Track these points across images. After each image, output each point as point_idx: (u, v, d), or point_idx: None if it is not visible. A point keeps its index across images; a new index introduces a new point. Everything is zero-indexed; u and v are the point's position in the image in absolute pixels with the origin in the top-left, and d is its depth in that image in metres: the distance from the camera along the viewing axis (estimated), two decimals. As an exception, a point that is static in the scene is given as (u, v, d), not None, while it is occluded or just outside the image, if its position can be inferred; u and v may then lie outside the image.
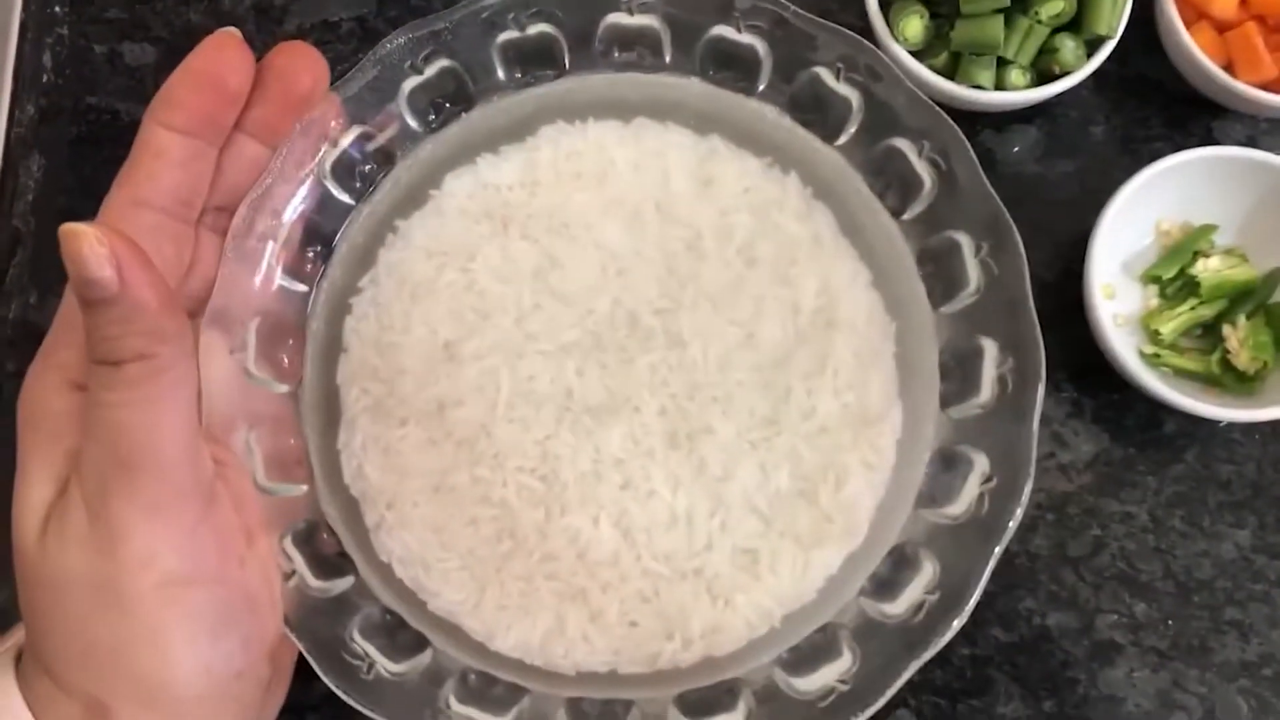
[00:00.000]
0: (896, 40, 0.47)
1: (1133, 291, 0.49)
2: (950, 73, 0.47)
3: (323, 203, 0.42)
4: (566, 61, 0.43)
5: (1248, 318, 0.47)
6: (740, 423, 0.40)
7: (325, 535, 0.40)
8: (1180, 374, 0.47)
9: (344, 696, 0.37)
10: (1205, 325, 0.48)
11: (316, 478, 0.41)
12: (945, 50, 0.47)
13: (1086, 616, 0.46)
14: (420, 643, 0.39)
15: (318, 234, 0.42)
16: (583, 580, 0.40)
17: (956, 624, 0.36)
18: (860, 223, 0.43)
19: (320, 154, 0.41)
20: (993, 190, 0.40)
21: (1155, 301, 0.48)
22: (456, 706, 0.37)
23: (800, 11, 0.41)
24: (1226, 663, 0.46)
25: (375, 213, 0.43)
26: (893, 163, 0.41)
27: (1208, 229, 0.48)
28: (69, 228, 0.32)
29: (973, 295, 0.40)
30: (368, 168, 0.43)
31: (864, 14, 0.47)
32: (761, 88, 0.43)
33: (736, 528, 0.40)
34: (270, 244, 0.40)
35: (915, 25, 0.47)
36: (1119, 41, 0.47)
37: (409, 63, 0.42)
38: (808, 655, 0.38)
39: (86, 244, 0.31)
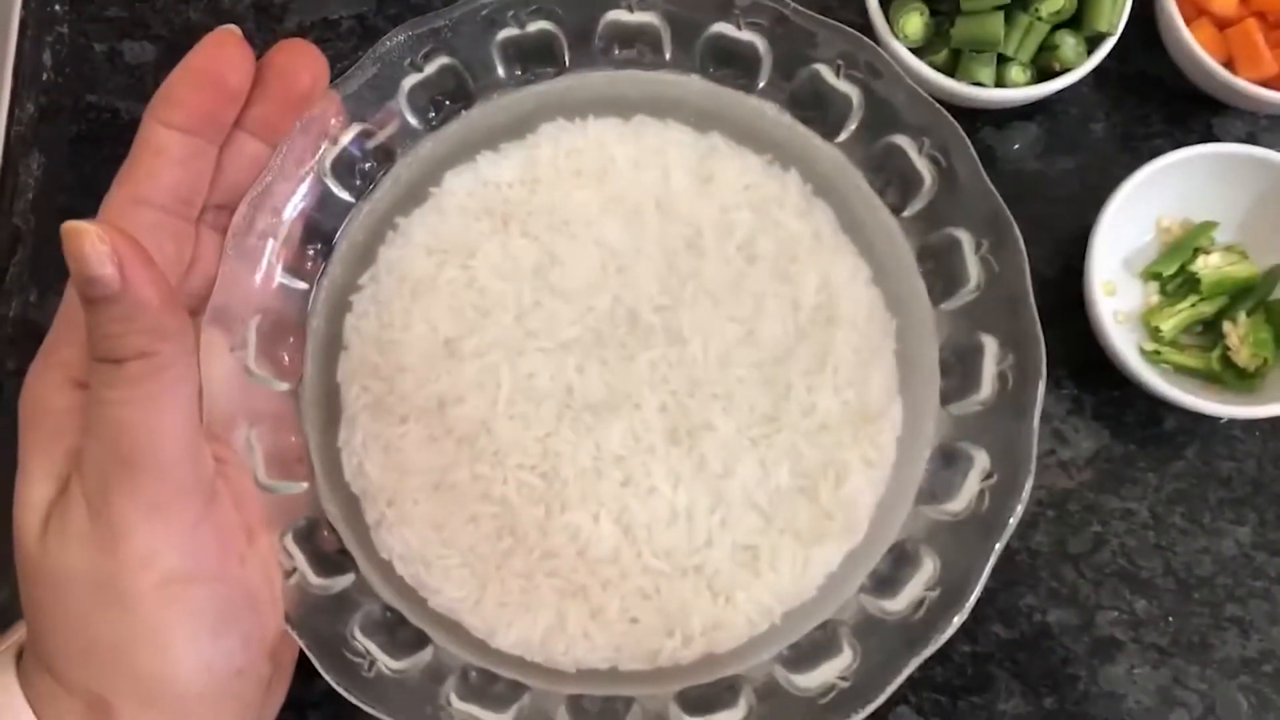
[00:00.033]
0: (896, 37, 0.47)
1: (1133, 288, 0.49)
2: (950, 70, 0.47)
3: (323, 200, 0.42)
4: (566, 59, 0.43)
5: (1248, 314, 0.47)
6: (740, 419, 0.40)
7: (326, 533, 0.40)
8: (1180, 371, 0.47)
9: (345, 694, 0.37)
10: (1206, 322, 0.48)
11: (317, 475, 0.41)
12: (945, 47, 0.47)
13: (1087, 613, 0.46)
14: (421, 640, 0.39)
15: (318, 231, 0.42)
16: (583, 577, 0.40)
17: (957, 620, 0.36)
18: (860, 220, 0.43)
19: (320, 151, 0.41)
20: (993, 187, 0.40)
21: (1156, 298, 0.48)
22: (457, 704, 0.38)
23: (800, 8, 0.41)
24: (1227, 659, 0.46)
25: (375, 210, 0.43)
26: (893, 160, 0.41)
27: (1208, 226, 0.48)
28: (71, 225, 0.32)
29: (973, 292, 0.40)
30: (368, 165, 0.43)
31: (864, 11, 0.47)
32: (761, 85, 0.43)
33: (737, 524, 0.40)
34: (271, 242, 0.41)
35: (915, 22, 0.47)
36: (1119, 38, 0.47)
37: (409, 60, 0.42)
38: (808, 652, 0.38)
39: (88, 242, 0.31)
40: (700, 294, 0.42)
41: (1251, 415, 0.45)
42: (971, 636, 0.46)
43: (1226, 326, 0.47)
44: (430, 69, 0.42)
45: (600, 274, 0.42)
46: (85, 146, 0.52)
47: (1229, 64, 0.48)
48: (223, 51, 0.37)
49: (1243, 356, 0.46)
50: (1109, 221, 0.45)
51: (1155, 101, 0.51)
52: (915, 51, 0.47)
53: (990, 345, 0.39)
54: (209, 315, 0.39)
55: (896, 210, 0.42)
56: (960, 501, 0.38)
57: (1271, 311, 0.46)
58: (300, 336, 0.42)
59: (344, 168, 0.42)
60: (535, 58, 0.43)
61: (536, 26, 0.42)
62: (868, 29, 0.47)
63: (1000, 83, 0.47)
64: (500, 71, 0.43)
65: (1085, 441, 0.48)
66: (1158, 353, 0.47)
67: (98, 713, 0.35)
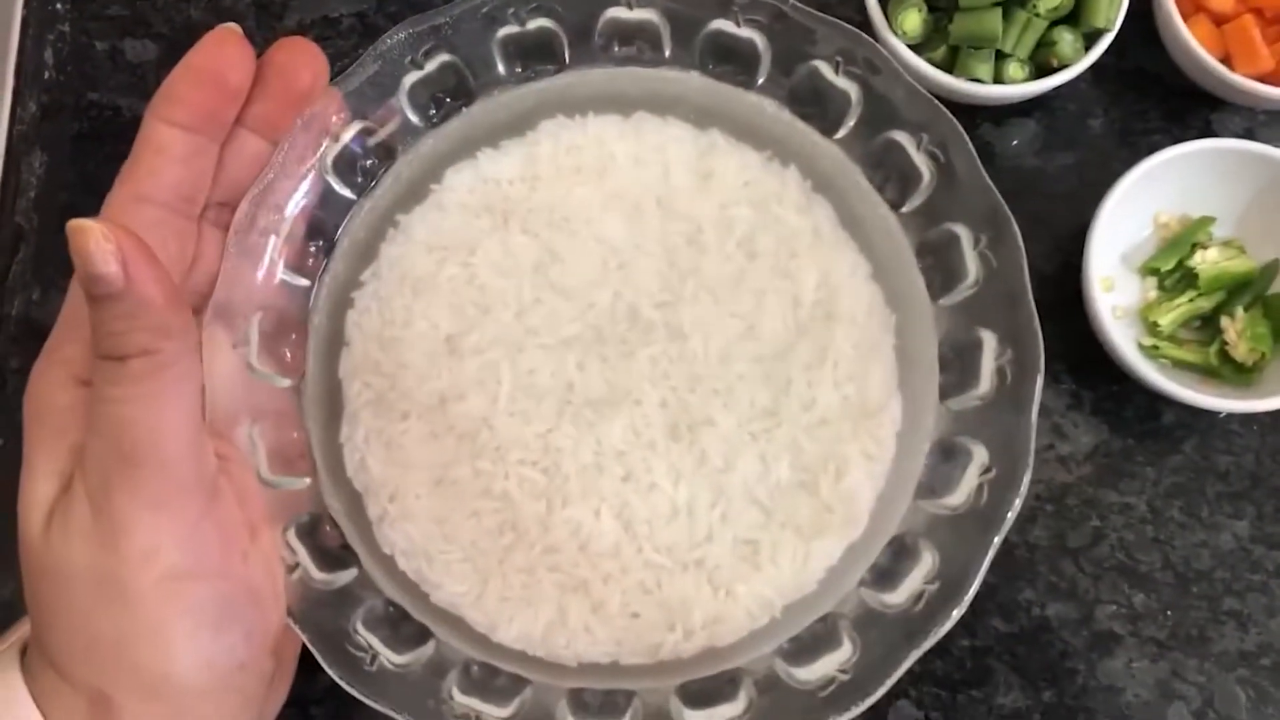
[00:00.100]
0: (895, 34, 0.47)
1: (1131, 283, 0.49)
2: (949, 66, 0.48)
3: (325, 197, 0.42)
4: (566, 56, 0.43)
5: (1246, 309, 0.47)
6: (741, 414, 0.41)
7: (328, 528, 0.40)
8: (1179, 365, 0.47)
9: (347, 688, 0.37)
10: (1203, 317, 0.48)
11: (319, 471, 0.41)
12: (944, 44, 0.48)
13: (1086, 607, 0.46)
14: (423, 634, 0.39)
15: (320, 229, 0.42)
16: (584, 572, 0.40)
17: (956, 613, 0.37)
18: (860, 215, 0.43)
19: (322, 149, 0.41)
20: (991, 183, 0.40)
21: (1154, 293, 0.48)
22: (459, 697, 0.38)
23: (799, 5, 0.41)
24: (1225, 653, 0.46)
25: (376, 207, 0.43)
26: (892, 156, 0.42)
27: (1206, 221, 0.48)
28: (76, 223, 0.32)
29: (972, 287, 0.40)
30: (369, 162, 0.43)
31: (863, 8, 0.48)
32: (761, 81, 0.43)
33: (737, 519, 0.40)
34: (273, 239, 0.41)
35: (914, 19, 0.47)
36: (1117, 35, 0.47)
37: (409, 58, 0.42)
38: (808, 645, 0.39)
39: (93, 240, 0.32)
40: (700, 290, 0.42)
41: (1249, 409, 0.45)
42: (971, 630, 0.46)
43: (1224, 321, 0.47)
44: (431, 66, 0.42)
45: (601, 270, 0.42)
46: (87, 144, 0.52)
47: (1226, 60, 0.48)
48: (223, 50, 0.37)
49: (1240, 351, 0.46)
50: (1107, 217, 0.46)
51: (1153, 97, 0.51)
52: (914, 48, 0.47)
53: (989, 340, 0.39)
54: (211, 312, 0.39)
55: (895, 206, 0.42)
56: (959, 495, 0.39)
57: (1269, 306, 0.47)
58: (302, 333, 0.42)
59: (345, 165, 0.42)
60: (535, 55, 0.43)
61: (536, 24, 0.43)
62: (866, 26, 0.47)
63: (998, 79, 0.47)
64: (500, 69, 0.43)
65: (1084, 436, 0.48)
66: (1156, 348, 0.47)
67: (100, 708, 0.35)
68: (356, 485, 0.42)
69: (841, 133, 0.42)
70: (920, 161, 0.41)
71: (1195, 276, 0.47)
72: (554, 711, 0.38)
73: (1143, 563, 0.47)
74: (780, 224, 0.43)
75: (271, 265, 0.41)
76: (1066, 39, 0.47)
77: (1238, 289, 0.47)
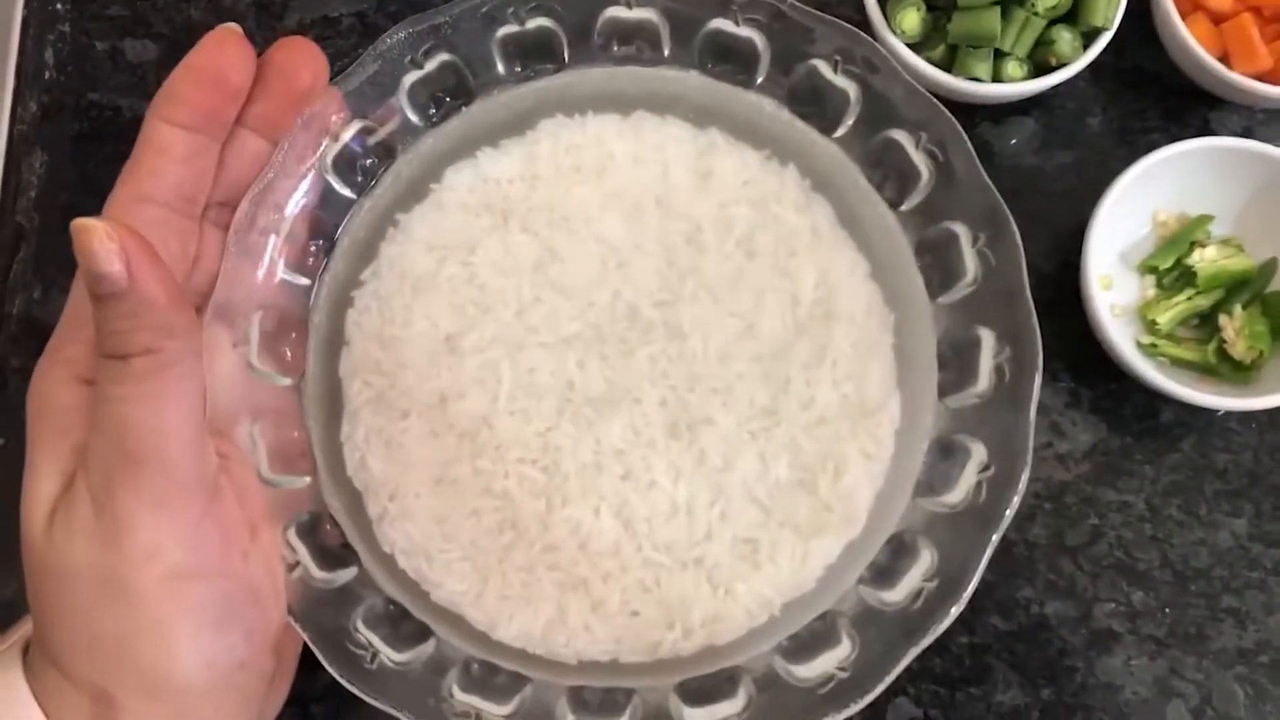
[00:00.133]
0: (894, 33, 0.47)
1: (1130, 282, 0.49)
2: (947, 65, 0.48)
3: (325, 196, 0.42)
4: (566, 55, 0.43)
5: (1244, 307, 0.47)
6: (740, 413, 0.41)
7: (328, 527, 0.40)
8: (1177, 364, 0.47)
9: (348, 686, 0.37)
10: (1202, 315, 0.48)
11: (320, 470, 0.41)
12: (942, 42, 0.48)
13: (1084, 605, 0.46)
14: (423, 633, 0.39)
15: (320, 228, 0.42)
16: (584, 570, 0.40)
17: (954, 611, 0.37)
18: (858, 214, 0.43)
19: (322, 148, 0.41)
20: (989, 181, 0.40)
21: (1152, 292, 0.49)
22: (460, 695, 0.38)
23: (798, 4, 0.42)
24: (1223, 650, 0.46)
25: (377, 206, 0.44)
26: (890, 154, 0.42)
27: (1204, 219, 0.48)
28: (80, 223, 0.32)
29: (970, 286, 0.40)
30: (369, 162, 0.43)
31: (861, 7, 0.48)
32: (760, 80, 0.43)
33: (736, 517, 0.40)
34: (273, 238, 0.41)
35: (912, 18, 0.47)
36: (1115, 33, 0.47)
37: (409, 57, 0.42)
38: (807, 643, 0.39)
39: (96, 238, 0.32)
40: (700, 289, 0.42)
41: (1247, 407, 0.45)
42: (970, 628, 0.46)
43: (1223, 319, 0.47)
44: (430, 66, 0.42)
45: (600, 270, 0.42)
46: (87, 144, 0.52)
47: (1225, 58, 0.48)
48: (224, 50, 0.38)
49: (1239, 349, 0.46)
50: (1105, 215, 0.46)
51: (1152, 96, 0.51)
52: (912, 47, 0.47)
53: (987, 338, 0.40)
54: (211, 311, 0.39)
55: (894, 205, 0.42)
56: (958, 493, 0.39)
57: (1267, 304, 0.47)
58: (302, 332, 0.42)
59: (345, 164, 0.42)
60: (535, 54, 0.43)
61: (536, 23, 0.43)
62: (865, 25, 0.47)
63: (997, 78, 0.47)
64: (500, 68, 0.43)
65: (1082, 434, 0.48)
66: (1154, 346, 0.47)
67: (102, 706, 0.35)
68: (357, 484, 0.42)
69: (840, 131, 0.42)
70: (919, 160, 0.41)
71: (1193, 275, 0.47)
72: (554, 709, 0.38)
73: (1141, 561, 0.47)
74: (779, 223, 0.43)
75: (272, 264, 0.41)
76: (1065, 38, 0.47)
77: (1236, 287, 0.47)
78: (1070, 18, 0.47)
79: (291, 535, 0.39)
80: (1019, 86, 0.47)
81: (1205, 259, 0.47)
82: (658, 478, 0.40)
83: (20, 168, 0.52)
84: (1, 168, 0.52)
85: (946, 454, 0.40)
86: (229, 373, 0.39)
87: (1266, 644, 0.46)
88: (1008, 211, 0.40)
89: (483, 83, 0.43)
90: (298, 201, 0.41)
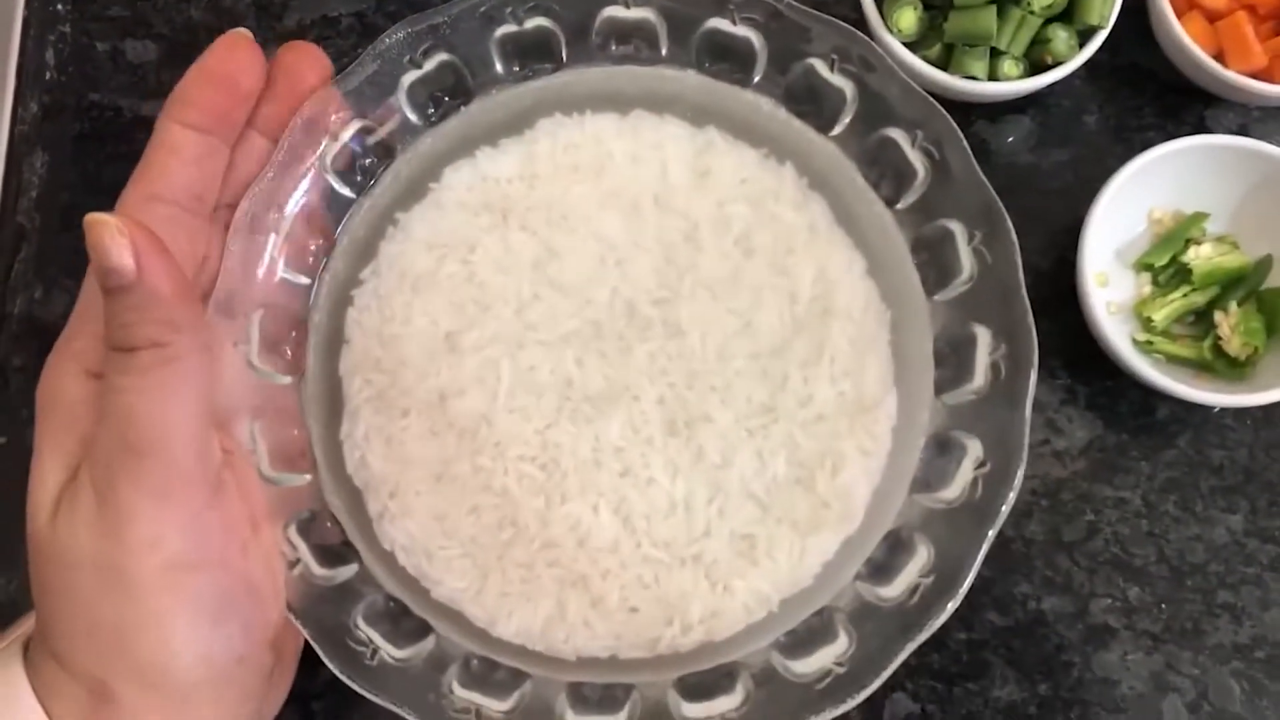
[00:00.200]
0: (890, 31, 0.47)
1: (1125, 279, 0.49)
2: (944, 63, 0.48)
3: (324, 196, 0.42)
4: (564, 55, 0.44)
5: (1239, 304, 0.47)
6: (738, 410, 0.41)
7: (329, 524, 0.40)
8: (1173, 360, 0.47)
9: (348, 682, 0.37)
10: (1197, 312, 0.48)
11: (320, 468, 0.41)
12: (939, 41, 0.48)
13: (1081, 601, 0.47)
14: (423, 629, 0.40)
15: (319, 227, 0.42)
16: (583, 567, 0.40)
17: (951, 606, 0.37)
18: (855, 212, 0.43)
19: (322, 148, 0.41)
20: (985, 179, 0.40)
21: (1148, 289, 0.49)
22: (459, 691, 0.38)
23: (794, 4, 0.42)
24: (1219, 645, 0.46)
25: (376, 206, 0.44)
26: (887, 153, 0.42)
27: (1200, 217, 0.48)
28: (93, 217, 0.33)
29: (966, 283, 0.40)
30: (368, 161, 0.43)
31: (858, 6, 0.48)
32: (757, 79, 0.43)
33: (734, 514, 0.40)
34: (272, 237, 0.41)
35: (909, 17, 0.47)
36: (1111, 31, 0.47)
37: (408, 57, 0.42)
38: (805, 638, 0.39)
39: (108, 233, 0.33)
40: (698, 287, 0.42)
41: (1243, 404, 0.45)
42: (967, 624, 0.46)
43: (1218, 316, 0.47)
44: (429, 65, 0.43)
45: (599, 268, 0.43)
46: (88, 144, 0.52)
47: (1220, 56, 0.48)
48: (235, 54, 0.39)
49: (1234, 346, 0.46)
50: (1101, 213, 0.46)
51: (1147, 94, 0.51)
52: (909, 46, 0.47)
53: (983, 336, 0.40)
54: (212, 309, 0.39)
55: (891, 203, 0.42)
56: (954, 490, 0.39)
57: (1262, 301, 0.47)
58: (302, 331, 0.42)
59: (345, 164, 0.42)
60: (533, 54, 0.44)
61: (534, 23, 0.43)
62: (862, 24, 0.47)
63: (993, 76, 0.48)
64: (499, 68, 0.44)
65: (1079, 431, 0.48)
66: (1150, 343, 0.47)
67: (100, 698, 0.35)
68: (357, 482, 0.42)
69: (837, 130, 0.43)
70: (915, 158, 0.41)
71: (1189, 272, 0.47)
72: (553, 705, 0.38)
73: (1137, 556, 0.47)
74: (776, 221, 0.43)
75: (272, 263, 0.41)
76: (1061, 36, 0.47)
77: (1231, 284, 0.47)
78: (1066, 16, 0.47)
79: (292, 533, 0.39)
80: (1015, 85, 0.47)
81: (1200, 256, 0.48)
82: (656, 475, 0.40)
83: (21, 168, 0.52)
84: (2, 168, 0.52)
85: (943, 450, 0.40)
86: (229, 371, 0.39)
87: (1262, 639, 0.46)
88: (1003, 209, 0.40)
89: (481, 82, 0.44)
90: (298, 201, 0.41)
